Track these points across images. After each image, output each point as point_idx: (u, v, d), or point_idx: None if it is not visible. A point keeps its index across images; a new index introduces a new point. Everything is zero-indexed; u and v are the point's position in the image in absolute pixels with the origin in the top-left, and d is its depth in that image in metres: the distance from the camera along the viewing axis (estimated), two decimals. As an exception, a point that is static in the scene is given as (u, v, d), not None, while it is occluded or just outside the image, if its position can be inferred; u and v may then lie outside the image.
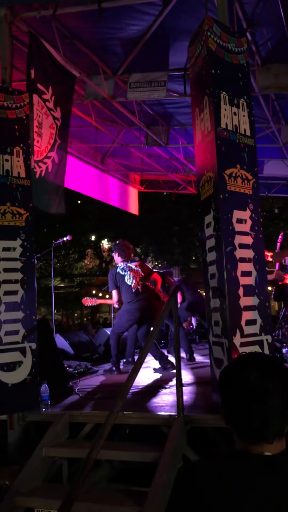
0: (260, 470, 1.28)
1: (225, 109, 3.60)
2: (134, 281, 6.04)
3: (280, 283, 6.96)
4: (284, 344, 6.83)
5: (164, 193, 15.49)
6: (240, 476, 1.27)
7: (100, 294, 25.53)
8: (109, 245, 29.06)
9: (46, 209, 5.23)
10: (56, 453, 3.78)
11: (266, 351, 3.49)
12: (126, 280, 6.05)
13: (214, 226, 3.54)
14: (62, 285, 27.09)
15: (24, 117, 4.47)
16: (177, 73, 6.56)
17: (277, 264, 7.02)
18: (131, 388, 5.05)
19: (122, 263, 6.21)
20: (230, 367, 1.46)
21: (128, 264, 6.19)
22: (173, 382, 5.28)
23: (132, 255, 6.52)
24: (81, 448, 3.79)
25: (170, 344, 7.71)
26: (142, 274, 6.17)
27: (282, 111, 7.66)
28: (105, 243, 28.31)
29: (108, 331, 8.44)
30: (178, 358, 3.84)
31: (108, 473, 3.93)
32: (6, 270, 4.27)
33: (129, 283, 6.04)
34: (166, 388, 5.02)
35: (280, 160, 9.79)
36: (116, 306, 6.28)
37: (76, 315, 31.09)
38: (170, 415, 3.75)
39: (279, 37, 5.60)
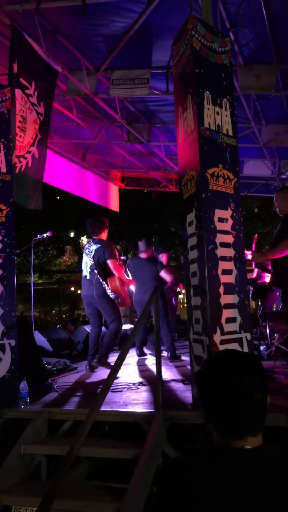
0: (245, 464, 1.31)
1: (208, 109, 3.62)
2: (84, 267, 6.05)
3: (259, 281, 7.03)
4: (262, 342, 6.93)
5: (145, 191, 15.50)
6: (227, 471, 1.30)
7: (79, 291, 25.46)
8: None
9: (24, 205, 5.19)
10: (35, 450, 3.76)
11: (246, 349, 3.54)
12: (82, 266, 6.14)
13: (196, 224, 3.56)
14: (40, 281, 26.90)
15: (5, 111, 4.40)
16: (159, 71, 6.57)
17: (253, 263, 7.10)
18: (112, 385, 5.09)
19: (88, 243, 6.19)
20: (209, 366, 1.48)
21: (91, 247, 6.03)
22: (153, 379, 5.32)
23: (98, 229, 6.11)
24: (60, 445, 3.78)
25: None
26: (93, 261, 5.95)
27: (263, 111, 7.75)
28: (84, 240, 28.18)
29: (87, 328, 8.43)
30: (159, 355, 3.85)
31: (86, 470, 3.93)
32: (-15, 266, 4.22)
33: (82, 268, 6.09)
34: (145, 385, 5.05)
35: (260, 160, 9.91)
36: None
37: (53, 312, 30.89)
38: (149, 412, 3.76)
39: (261, 38, 5.66)
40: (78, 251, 27.22)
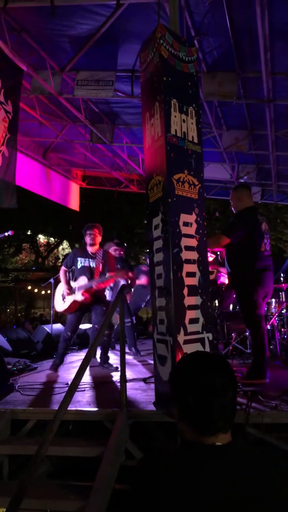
0: (218, 459, 1.41)
1: (175, 116, 3.73)
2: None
3: (218, 282, 7.24)
4: (219, 341, 7.13)
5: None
6: (200, 467, 1.39)
7: (36, 290, 25.14)
8: (45, 240, 28.68)
9: None
10: (-1, 450, 3.77)
11: (207, 348, 3.67)
12: None
13: (162, 228, 3.66)
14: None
15: None
16: (124, 74, 6.64)
17: (211, 266, 7.29)
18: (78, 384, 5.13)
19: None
20: (182, 367, 1.56)
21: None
22: (115, 377, 5.39)
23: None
24: (24, 444, 3.80)
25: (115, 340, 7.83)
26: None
27: (224, 117, 7.96)
28: (42, 238, 27.86)
29: (46, 328, 8.39)
30: (123, 354, 3.92)
31: (48, 469, 3.96)
32: None
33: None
34: (108, 383, 5.11)
35: (220, 164, 10.15)
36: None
37: (8, 310, 30.37)
38: (113, 410, 3.83)
39: (225, 46, 5.83)
40: (35, 249, 26.92)
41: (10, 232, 7.45)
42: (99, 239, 6.00)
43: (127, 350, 7.21)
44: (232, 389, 1.49)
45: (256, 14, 4.84)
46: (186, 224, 3.68)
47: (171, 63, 3.78)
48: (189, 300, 3.60)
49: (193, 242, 3.72)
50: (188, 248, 3.66)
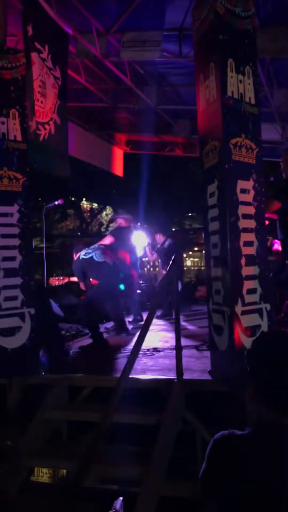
0: None
1: (231, 77, 3.54)
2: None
3: (273, 249, 7.06)
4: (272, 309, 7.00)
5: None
6: (278, 447, 1.39)
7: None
8: (88, 205, 28.84)
9: (52, 172, 5.18)
10: (58, 415, 3.88)
11: (265, 319, 3.59)
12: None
13: (218, 196, 3.55)
14: (41, 245, 26.91)
15: (20, 77, 4.31)
16: (172, 33, 6.37)
17: None
18: (124, 351, 5.20)
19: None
20: (262, 346, 1.53)
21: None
22: (165, 345, 5.42)
23: None
24: (82, 411, 3.92)
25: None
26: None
27: (275, 75, 7.56)
28: (85, 203, 28.06)
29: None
30: (178, 322, 3.91)
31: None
32: (3, 236, 4.24)
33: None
34: (159, 351, 5.15)
35: (269, 124, 9.72)
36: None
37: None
38: (170, 379, 3.85)
39: (280, -2, 5.45)
40: (79, 215, 27.20)
41: (60, 201, 7.54)
42: None
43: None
44: None
45: None
46: (243, 191, 3.54)
47: (226, 20, 3.55)
48: (246, 270, 3.50)
49: (251, 210, 3.58)
50: (246, 216, 3.54)
